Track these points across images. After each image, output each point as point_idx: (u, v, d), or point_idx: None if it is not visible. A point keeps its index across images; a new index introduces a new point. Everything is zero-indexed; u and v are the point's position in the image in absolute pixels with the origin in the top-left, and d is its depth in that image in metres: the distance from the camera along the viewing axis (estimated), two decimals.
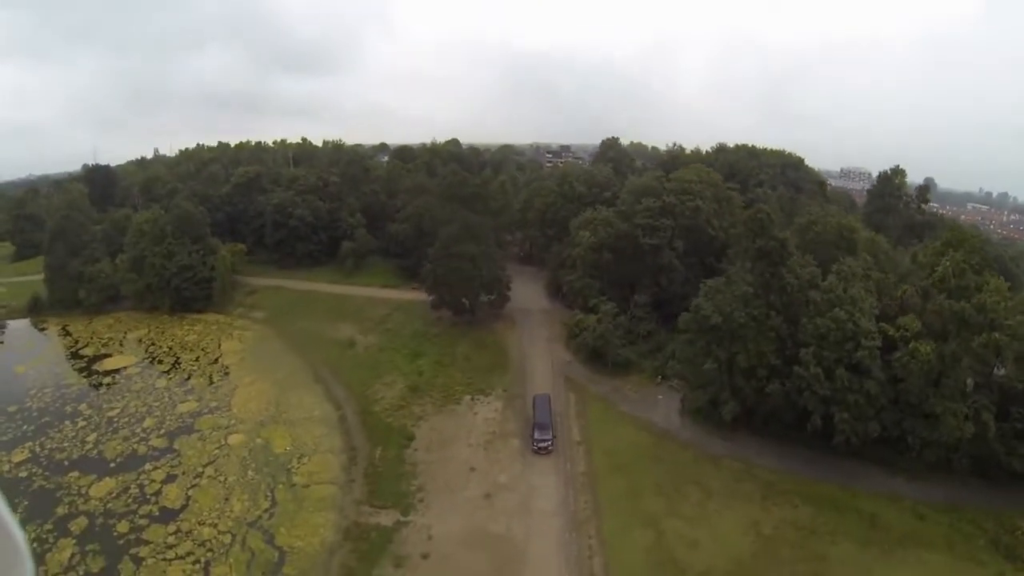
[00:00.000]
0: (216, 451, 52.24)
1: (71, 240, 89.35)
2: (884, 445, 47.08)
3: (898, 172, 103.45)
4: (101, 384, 66.11)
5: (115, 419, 57.80)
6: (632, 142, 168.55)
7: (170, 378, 66.90)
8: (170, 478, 48.66)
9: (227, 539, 41.74)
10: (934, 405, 44.51)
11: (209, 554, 40.45)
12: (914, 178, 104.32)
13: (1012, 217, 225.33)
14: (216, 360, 70.92)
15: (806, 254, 53.88)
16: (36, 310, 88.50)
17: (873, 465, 46.93)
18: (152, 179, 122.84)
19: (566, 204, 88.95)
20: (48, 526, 42.89)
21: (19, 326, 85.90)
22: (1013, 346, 44.56)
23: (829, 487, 45.10)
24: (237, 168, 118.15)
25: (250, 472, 49.21)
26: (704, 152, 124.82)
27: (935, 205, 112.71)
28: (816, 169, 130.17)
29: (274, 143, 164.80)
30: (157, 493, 46.79)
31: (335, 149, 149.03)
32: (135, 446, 53.30)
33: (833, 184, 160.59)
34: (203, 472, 49.32)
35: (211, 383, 65.38)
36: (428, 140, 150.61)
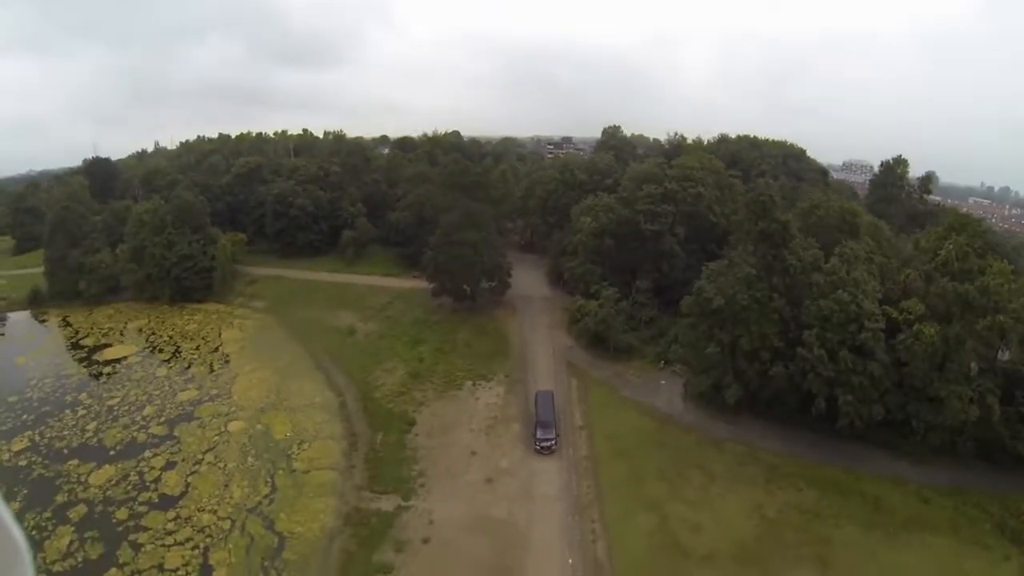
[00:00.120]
0: (216, 438, 52.00)
1: (71, 231, 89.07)
2: (888, 428, 46.80)
3: (900, 162, 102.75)
4: (101, 374, 65.89)
5: (115, 408, 57.58)
6: (633, 134, 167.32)
7: (170, 367, 66.66)
8: (170, 465, 48.44)
9: (226, 525, 41.51)
10: (938, 388, 44.21)
11: (208, 540, 40.23)
12: (916, 172, 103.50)
13: (1014, 211, 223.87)
14: (216, 349, 70.69)
15: (808, 237, 53.44)
16: (36, 302, 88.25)
17: (877, 448, 46.65)
18: (152, 171, 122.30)
19: (567, 192, 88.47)
20: (47, 514, 42.68)
21: (19, 318, 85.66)
22: (1017, 328, 44.20)
23: (833, 470, 44.81)
24: (238, 159, 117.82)
25: (250, 458, 48.99)
26: (706, 142, 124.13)
27: (937, 198, 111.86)
28: (818, 161, 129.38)
29: (275, 134, 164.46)
30: (157, 480, 46.58)
31: (336, 140, 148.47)
32: (135, 434, 53.08)
33: (835, 177, 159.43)
34: (203, 459, 49.10)
35: (211, 371, 65.18)
36: (429, 132, 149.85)
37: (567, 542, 39.17)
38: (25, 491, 45.30)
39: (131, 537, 40.52)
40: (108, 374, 65.55)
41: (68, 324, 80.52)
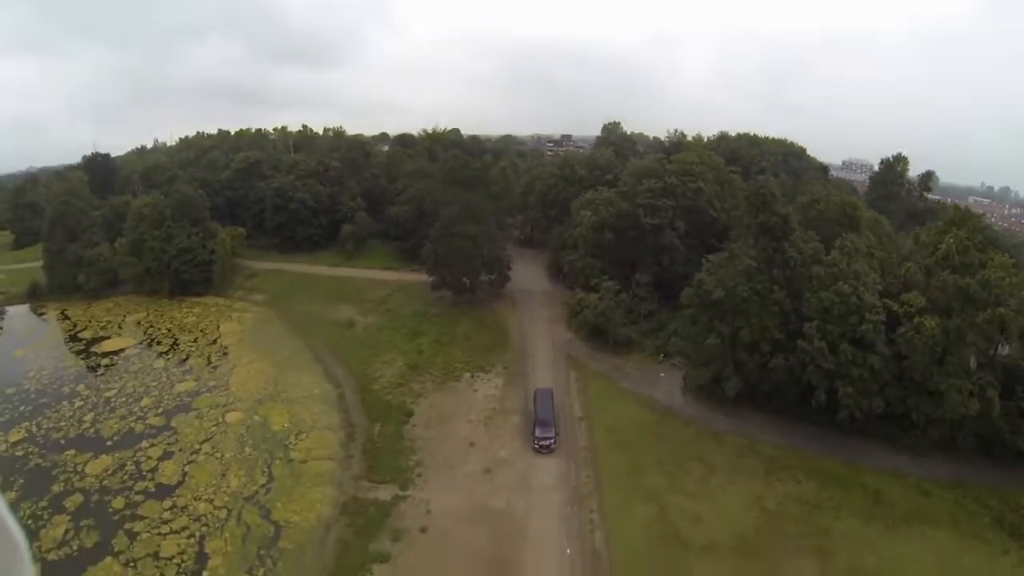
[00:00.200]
0: (213, 428, 51.80)
1: (70, 225, 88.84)
2: (888, 422, 46.66)
3: (900, 159, 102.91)
4: (99, 366, 65.68)
5: (112, 399, 57.39)
6: (633, 132, 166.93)
7: (168, 359, 66.47)
8: (167, 455, 48.25)
9: (223, 514, 41.32)
10: (938, 382, 44.10)
11: (204, 528, 40.04)
12: (916, 172, 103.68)
13: (1013, 211, 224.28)
14: (215, 341, 70.48)
15: (809, 231, 53.29)
16: (35, 296, 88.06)
17: (877, 442, 46.52)
18: (152, 167, 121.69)
19: (567, 187, 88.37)
20: (43, 503, 42.48)
21: (18, 312, 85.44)
22: (1018, 322, 44.13)
23: (833, 463, 44.65)
24: (237, 155, 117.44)
25: (247, 448, 48.82)
26: (706, 140, 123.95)
27: (937, 197, 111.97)
28: (818, 160, 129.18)
29: (275, 130, 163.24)
30: (153, 470, 46.37)
31: (336, 136, 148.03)
32: (132, 425, 52.89)
33: (835, 175, 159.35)
34: (200, 449, 48.91)
35: (209, 363, 64.96)
36: (429, 129, 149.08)
37: (565, 532, 38.95)
38: (21, 481, 45.12)
39: (127, 526, 40.33)
40: (106, 366, 65.35)
41: (67, 318, 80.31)
